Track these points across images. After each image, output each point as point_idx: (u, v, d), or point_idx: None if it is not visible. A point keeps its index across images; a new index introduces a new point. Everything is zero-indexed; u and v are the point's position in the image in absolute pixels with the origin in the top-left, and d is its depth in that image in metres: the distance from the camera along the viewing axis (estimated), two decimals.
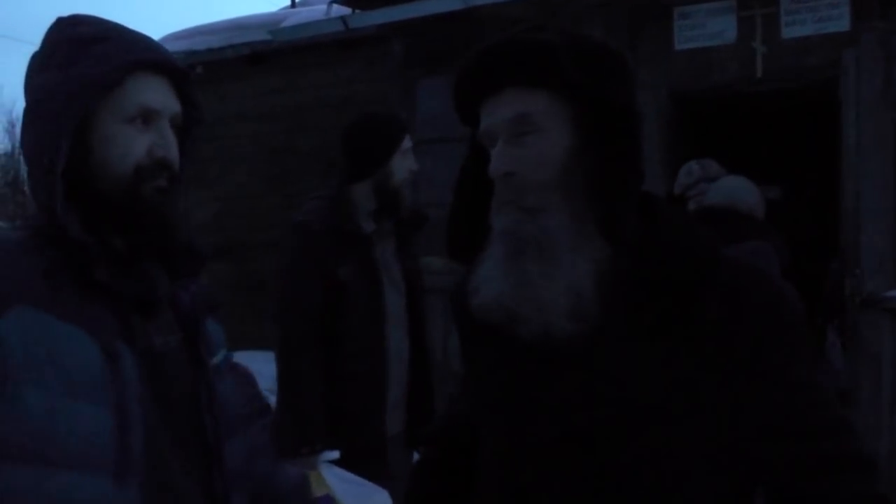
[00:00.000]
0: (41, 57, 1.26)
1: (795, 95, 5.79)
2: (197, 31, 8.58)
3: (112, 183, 1.21)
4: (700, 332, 1.12)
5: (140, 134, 1.23)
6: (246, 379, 1.53)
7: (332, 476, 2.05)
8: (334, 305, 2.67)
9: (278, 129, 7.90)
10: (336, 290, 2.67)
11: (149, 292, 1.24)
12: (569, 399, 1.16)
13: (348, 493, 1.96)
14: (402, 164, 2.76)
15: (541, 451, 1.18)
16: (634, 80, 1.22)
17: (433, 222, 2.84)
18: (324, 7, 7.37)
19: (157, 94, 1.25)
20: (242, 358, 1.64)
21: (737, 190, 3.55)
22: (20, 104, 1.30)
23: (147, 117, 1.23)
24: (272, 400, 1.92)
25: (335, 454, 2.30)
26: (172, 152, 1.26)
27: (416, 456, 1.45)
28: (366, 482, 2.09)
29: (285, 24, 7.43)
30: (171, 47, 8.03)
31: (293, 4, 8.83)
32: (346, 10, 6.69)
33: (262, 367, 2.80)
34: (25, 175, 1.71)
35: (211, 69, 8.06)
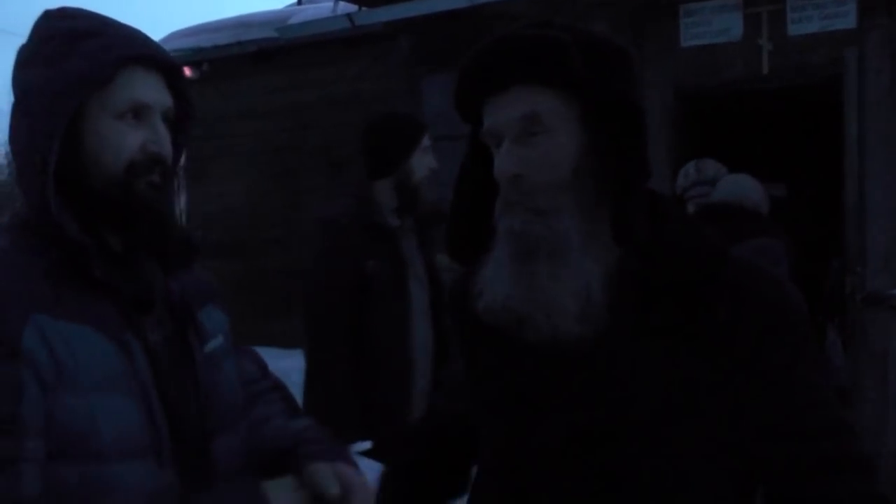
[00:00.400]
0: (29, 50, 1.22)
1: (801, 93, 5.78)
2: (203, 29, 8.60)
3: (105, 180, 1.19)
4: (706, 333, 1.11)
5: (132, 129, 1.20)
6: (250, 356, 1.51)
7: (363, 467, 2.06)
8: (361, 299, 2.72)
9: (284, 127, 7.88)
10: (364, 283, 2.72)
11: (146, 291, 1.23)
12: (575, 400, 1.15)
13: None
14: (422, 162, 2.81)
15: (545, 451, 1.17)
16: (640, 77, 1.20)
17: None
18: (330, 4, 7.36)
19: (148, 89, 1.22)
20: None
21: (743, 187, 3.55)
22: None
23: (138, 112, 1.21)
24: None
25: (367, 445, 2.31)
26: (165, 147, 1.23)
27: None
28: None
29: (291, 21, 7.44)
30: (177, 44, 8.07)
31: (299, 2, 8.83)
32: (352, 8, 6.70)
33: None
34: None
35: (217, 66, 8.06)
